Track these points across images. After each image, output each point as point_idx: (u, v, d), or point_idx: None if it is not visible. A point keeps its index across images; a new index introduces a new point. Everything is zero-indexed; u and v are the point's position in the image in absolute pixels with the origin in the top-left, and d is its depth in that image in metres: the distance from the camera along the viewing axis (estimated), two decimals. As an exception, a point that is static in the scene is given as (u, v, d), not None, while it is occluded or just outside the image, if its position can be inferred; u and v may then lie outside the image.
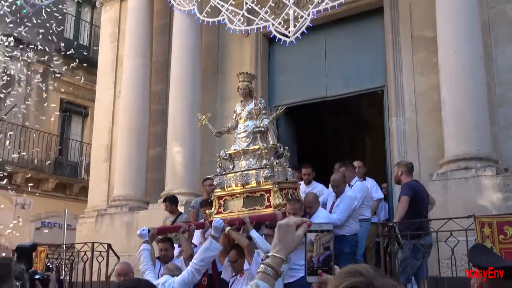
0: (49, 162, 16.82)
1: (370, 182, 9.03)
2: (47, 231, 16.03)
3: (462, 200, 7.49)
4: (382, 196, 9.11)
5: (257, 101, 7.85)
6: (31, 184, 15.86)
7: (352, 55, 10.87)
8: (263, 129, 7.46)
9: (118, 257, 8.74)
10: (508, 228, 5.77)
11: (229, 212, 7.21)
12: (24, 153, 16.19)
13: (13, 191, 15.80)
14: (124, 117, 12.20)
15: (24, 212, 16.16)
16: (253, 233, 6.00)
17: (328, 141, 12.54)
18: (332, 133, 12.84)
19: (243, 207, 7.13)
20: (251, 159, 7.39)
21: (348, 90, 10.91)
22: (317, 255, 1.86)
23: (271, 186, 6.98)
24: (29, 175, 16.18)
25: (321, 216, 6.71)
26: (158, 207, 10.06)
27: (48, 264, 9.75)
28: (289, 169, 7.64)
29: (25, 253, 3.42)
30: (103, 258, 9.30)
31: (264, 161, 7.14)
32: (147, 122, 12.05)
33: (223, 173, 7.54)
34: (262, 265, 1.83)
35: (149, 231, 6.41)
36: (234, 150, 7.61)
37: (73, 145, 18.76)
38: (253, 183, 7.15)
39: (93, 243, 9.56)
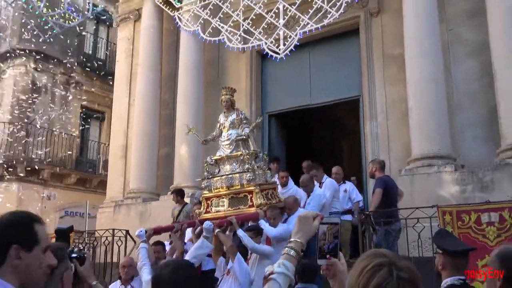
0: (68, 154, 16.81)
1: (349, 186, 8.86)
2: (70, 219, 15.83)
3: (426, 192, 7.52)
4: (361, 198, 8.88)
5: (238, 112, 7.77)
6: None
7: (332, 69, 10.85)
8: (244, 137, 7.42)
9: (134, 242, 8.77)
10: (465, 216, 5.81)
11: (217, 212, 7.17)
12: (47, 150, 16.23)
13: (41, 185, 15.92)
14: (138, 122, 12.17)
15: (50, 203, 16.15)
16: (240, 232, 5.91)
17: (313, 143, 12.57)
18: (316, 136, 12.79)
19: (229, 206, 7.08)
20: (234, 164, 7.32)
21: (329, 98, 10.89)
22: (328, 243, 1.98)
23: (253, 188, 6.93)
24: (54, 171, 16.19)
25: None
26: (168, 199, 10.03)
27: (80, 247, 9.61)
28: (268, 171, 7.63)
29: (63, 234, 3.31)
30: (122, 243, 9.37)
31: (246, 166, 7.12)
32: (157, 126, 12.04)
33: (210, 176, 7.48)
34: (286, 248, 1.90)
35: (146, 232, 6.32)
36: (219, 156, 7.58)
37: (91, 145, 18.67)
38: (237, 185, 7.12)
39: (113, 229, 9.62)
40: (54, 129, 16.75)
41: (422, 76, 8.50)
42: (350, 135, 11.23)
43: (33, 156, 15.88)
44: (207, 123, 10.93)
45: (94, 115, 18.87)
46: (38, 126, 16.32)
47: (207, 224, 5.69)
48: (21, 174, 15.49)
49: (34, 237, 1.86)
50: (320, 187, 7.80)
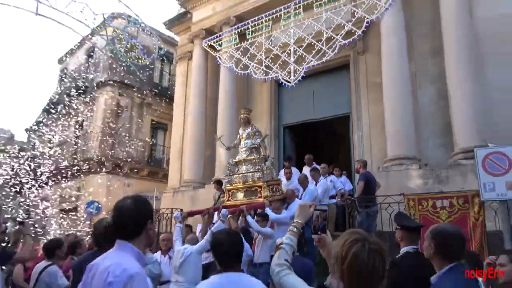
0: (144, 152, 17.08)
1: (333, 177, 8.64)
2: None
3: (398, 184, 7.40)
4: (343, 187, 8.59)
5: (253, 126, 7.77)
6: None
7: (329, 93, 10.76)
8: (256, 145, 7.44)
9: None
10: (424, 202, 5.78)
11: (235, 200, 7.15)
12: (127, 151, 16.53)
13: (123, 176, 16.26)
14: (191, 132, 12.28)
15: (129, 189, 16.16)
16: (249, 218, 5.81)
17: (316, 147, 12.49)
18: (319, 142, 12.67)
19: (244, 197, 7.12)
20: (249, 165, 7.38)
21: (328, 114, 10.79)
22: (320, 223, 2.06)
23: (261, 183, 6.97)
24: (132, 166, 16.49)
25: (297, 204, 6.44)
26: (211, 187, 10.03)
27: None
28: (274, 171, 7.61)
29: None
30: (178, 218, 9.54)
31: (257, 167, 7.18)
32: (204, 135, 12.12)
33: (231, 174, 7.54)
34: (290, 226, 1.98)
35: (181, 214, 6.21)
36: (238, 159, 7.60)
37: (158, 148, 18.82)
38: (250, 181, 7.17)
39: (172, 208, 9.85)
40: (132, 136, 17.05)
41: (395, 99, 8.41)
42: (343, 141, 11.12)
43: (117, 156, 16.15)
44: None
45: (160, 127, 19.01)
46: (121, 134, 16.64)
47: (223, 211, 5.64)
48: (109, 169, 15.82)
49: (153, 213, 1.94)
50: (316, 184, 7.63)
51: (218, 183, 8.86)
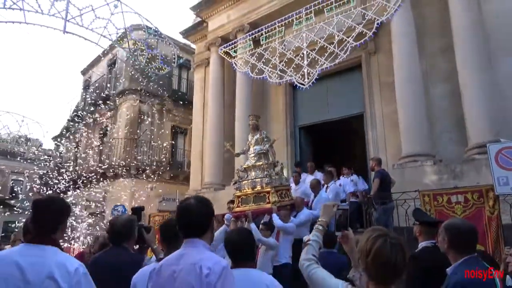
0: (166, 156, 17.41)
1: (343, 181, 8.53)
2: (165, 203, 16.15)
3: (413, 181, 7.35)
4: (353, 189, 8.44)
5: (261, 132, 7.56)
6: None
7: (343, 94, 10.80)
8: (264, 151, 7.21)
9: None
10: (439, 197, 5.79)
11: (244, 206, 6.87)
12: (150, 156, 16.82)
13: (146, 179, 16.36)
14: (210, 136, 12.47)
15: (152, 192, 16.26)
16: (252, 225, 5.46)
17: (331, 146, 12.53)
18: (334, 141, 12.67)
19: (252, 202, 6.86)
20: (257, 171, 7.13)
21: (341, 114, 10.83)
22: (342, 221, 2.20)
23: (270, 189, 6.73)
24: (155, 170, 16.37)
25: (305, 213, 6.38)
26: (230, 188, 10.08)
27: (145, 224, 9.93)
28: (284, 176, 7.34)
29: (136, 211, 3.37)
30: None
31: (265, 172, 6.97)
32: (222, 138, 12.14)
33: (240, 180, 7.31)
34: (316, 224, 2.11)
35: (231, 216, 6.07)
36: (247, 165, 7.37)
37: (179, 151, 18.95)
38: (259, 187, 6.92)
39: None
40: (153, 141, 17.21)
41: (407, 97, 8.42)
42: (358, 140, 11.10)
43: (141, 160, 16.36)
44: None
45: (180, 131, 19.16)
46: (143, 140, 16.88)
47: (227, 215, 5.46)
48: (133, 174, 16.04)
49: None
50: (327, 188, 7.52)
51: None
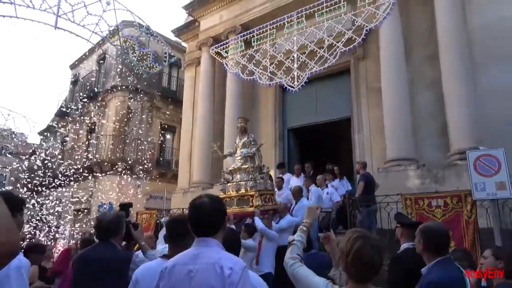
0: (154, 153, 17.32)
1: (330, 189, 8.43)
2: (153, 200, 15.98)
3: (396, 184, 7.55)
4: (339, 199, 8.32)
5: (249, 136, 7.58)
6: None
7: (331, 97, 10.95)
8: (251, 154, 7.22)
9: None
10: (420, 201, 6.00)
11: (227, 209, 6.58)
12: (138, 153, 16.80)
13: (134, 177, 16.25)
14: (199, 135, 12.53)
15: (139, 190, 16.08)
16: (232, 227, 5.04)
17: (319, 148, 12.66)
18: (321, 144, 12.75)
19: (236, 205, 6.89)
20: (243, 174, 7.11)
21: (329, 117, 10.98)
22: (324, 223, 2.36)
23: (253, 192, 6.74)
24: (142, 167, 16.25)
25: (287, 220, 6.24)
26: (219, 187, 10.24)
27: (157, 220, 9.97)
28: (269, 181, 7.29)
29: (124, 207, 3.35)
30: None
31: (250, 176, 6.95)
32: (211, 137, 12.21)
33: (225, 182, 7.32)
34: (301, 226, 2.22)
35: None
36: (233, 167, 7.37)
37: (167, 149, 18.92)
38: (243, 190, 6.93)
39: (182, 208, 9.98)
40: (142, 139, 17.19)
41: (393, 102, 8.62)
42: (345, 143, 11.26)
43: (128, 158, 16.28)
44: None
45: (169, 129, 19.14)
46: (131, 137, 16.82)
47: None
48: (120, 171, 15.87)
49: None
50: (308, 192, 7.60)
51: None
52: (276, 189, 7.84)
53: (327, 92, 11.02)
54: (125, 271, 2.61)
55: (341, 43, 8.59)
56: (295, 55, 9.59)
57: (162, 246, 4.65)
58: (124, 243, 3.15)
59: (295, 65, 9.58)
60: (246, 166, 7.16)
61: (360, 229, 1.91)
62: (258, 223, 5.79)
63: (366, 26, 8.47)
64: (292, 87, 9.43)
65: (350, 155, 10.24)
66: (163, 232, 5.45)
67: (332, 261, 2.42)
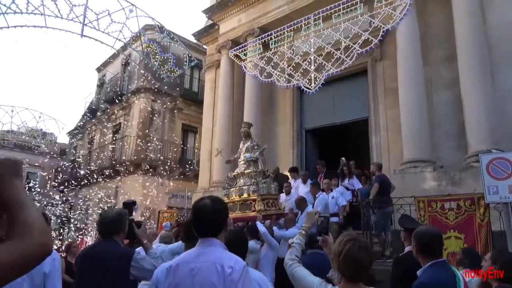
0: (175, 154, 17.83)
1: (335, 193, 8.08)
2: (175, 199, 16.39)
3: (412, 186, 7.52)
4: (345, 203, 7.97)
5: (252, 140, 7.52)
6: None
7: (348, 98, 10.96)
8: (254, 159, 7.16)
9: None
10: (433, 203, 6.02)
11: (230, 214, 6.30)
12: (160, 153, 17.26)
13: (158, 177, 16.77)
14: (219, 135, 12.70)
15: (162, 189, 16.65)
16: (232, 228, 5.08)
17: (336, 149, 12.65)
18: (339, 145, 12.76)
19: (239, 210, 6.86)
20: (246, 179, 7.06)
21: (347, 118, 11.02)
22: (323, 227, 2.52)
23: (256, 197, 6.67)
24: (165, 167, 16.75)
25: (292, 232, 5.87)
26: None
27: (177, 219, 10.27)
28: (272, 185, 7.21)
29: (127, 205, 3.29)
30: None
31: (253, 180, 6.89)
32: (231, 138, 12.42)
33: (229, 187, 7.28)
34: (300, 229, 2.40)
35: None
36: (236, 172, 7.32)
37: (189, 149, 19.26)
38: (245, 195, 6.88)
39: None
40: (165, 139, 17.63)
41: (410, 103, 8.59)
42: (362, 144, 11.27)
43: (152, 158, 16.73)
44: (264, 134, 11.45)
45: (191, 130, 19.46)
46: (154, 137, 17.23)
47: None
48: (144, 171, 16.38)
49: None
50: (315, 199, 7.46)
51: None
52: (283, 194, 7.80)
53: (345, 93, 11.06)
54: (126, 268, 2.60)
55: (358, 44, 8.64)
56: (312, 57, 9.70)
57: (156, 245, 4.75)
58: (127, 241, 3.16)
59: (312, 67, 9.68)
60: (249, 170, 7.10)
61: (351, 232, 2.10)
62: (261, 227, 5.74)
63: (383, 27, 8.49)
64: (309, 89, 9.55)
65: (368, 156, 10.25)
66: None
67: (331, 263, 2.60)
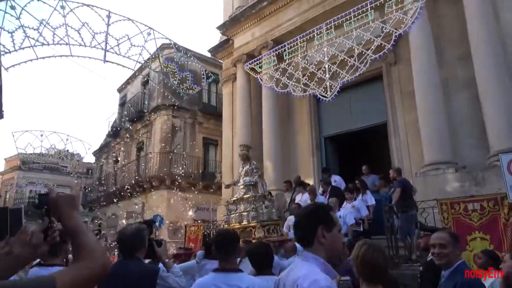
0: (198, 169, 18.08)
1: (358, 202, 8.03)
2: (199, 213, 16.58)
3: (435, 189, 7.52)
4: (367, 213, 7.95)
5: (251, 163, 7.29)
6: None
7: (365, 104, 11.00)
8: (253, 183, 6.95)
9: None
10: (456, 205, 6.01)
11: None
12: (183, 168, 17.59)
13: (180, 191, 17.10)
14: (237, 148, 12.99)
15: (186, 202, 16.86)
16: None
17: (357, 155, 12.68)
18: (359, 150, 12.72)
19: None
20: (246, 204, 6.89)
21: (365, 124, 11.05)
22: None
23: (255, 224, 6.51)
24: (188, 181, 17.16)
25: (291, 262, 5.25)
26: None
27: (204, 232, 10.40)
28: (274, 210, 7.00)
29: (147, 222, 3.20)
30: (232, 228, 10.17)
31: (252, 206, 6.70)
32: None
33: (229, 214, 7.12)
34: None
35: None
36: (236, 197, 7.17)
37: (211, 162, 19.54)
38: (245, 222, 6.70)
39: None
40: (187, 152, 17.99)
41: (427, 105, 8.58)
42: (383, 148, 11.26)
43: (175, 172, 17.02)
44: (283, 144, 11.59)
45: (211, 143, 19.73)
46: (176, 152, 17.66)
47: (199, 252, 5.00)
48: (168, 185, 16.77)
49: (332, 220, 1.76)
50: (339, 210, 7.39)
51: (270, 194, 8.85)
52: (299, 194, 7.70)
53: (361, 98, 11.10)
54: (153, 285, 2.59)
55: (371, 50, 8.74)
56: (326, 66, 9.82)
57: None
58: (148, 260, 3.10)
59: (327, 76, 9.80)
60: (248, 195, 6.88)
61: (367, 240, 2.26)
62: None
63: (395, 32, 8.57)
64: (325, 97, 9.65)
65: (389, 160, 10.23)
66: None
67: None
